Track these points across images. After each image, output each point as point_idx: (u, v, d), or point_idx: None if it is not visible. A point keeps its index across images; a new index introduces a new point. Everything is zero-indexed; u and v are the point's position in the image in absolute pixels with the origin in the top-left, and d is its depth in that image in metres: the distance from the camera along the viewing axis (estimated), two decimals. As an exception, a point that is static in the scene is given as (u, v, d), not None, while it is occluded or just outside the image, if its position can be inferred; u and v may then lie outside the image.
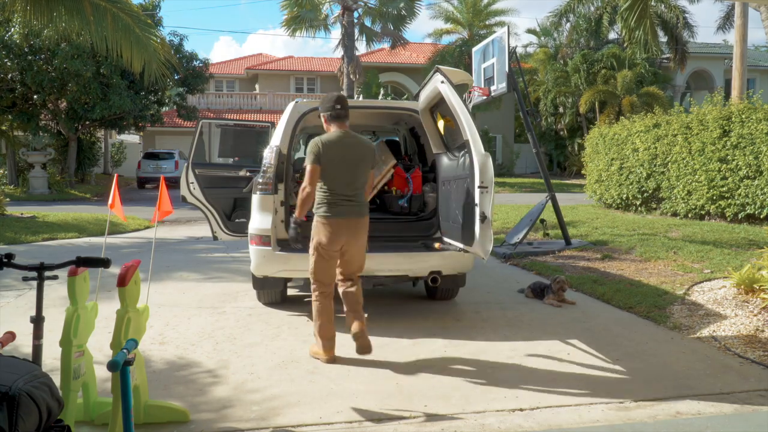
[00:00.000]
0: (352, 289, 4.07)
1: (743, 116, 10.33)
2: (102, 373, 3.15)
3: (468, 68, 14.30)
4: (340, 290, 4.08)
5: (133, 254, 8.29)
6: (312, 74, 33.76)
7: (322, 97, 4.25)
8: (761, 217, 10.04)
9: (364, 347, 3.85)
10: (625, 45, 26.14)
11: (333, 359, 3.96)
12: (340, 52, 23.17)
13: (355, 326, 3.90)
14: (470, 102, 7.77)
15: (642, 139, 12.83)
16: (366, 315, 4.08)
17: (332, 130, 3.97)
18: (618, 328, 4.87)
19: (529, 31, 35.93)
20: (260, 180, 4.86)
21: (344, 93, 22.69)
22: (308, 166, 3.84)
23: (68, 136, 21.32)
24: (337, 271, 4.07)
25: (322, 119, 4.04)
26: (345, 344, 4.38)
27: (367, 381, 3.68)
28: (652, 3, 9.99)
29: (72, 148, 21.65)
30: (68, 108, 19.77)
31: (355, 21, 22.80)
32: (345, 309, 4.04)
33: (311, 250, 3.97)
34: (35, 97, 18.82)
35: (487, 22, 29.27)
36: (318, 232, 3.91)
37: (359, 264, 4.12)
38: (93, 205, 16.90)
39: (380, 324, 4.91)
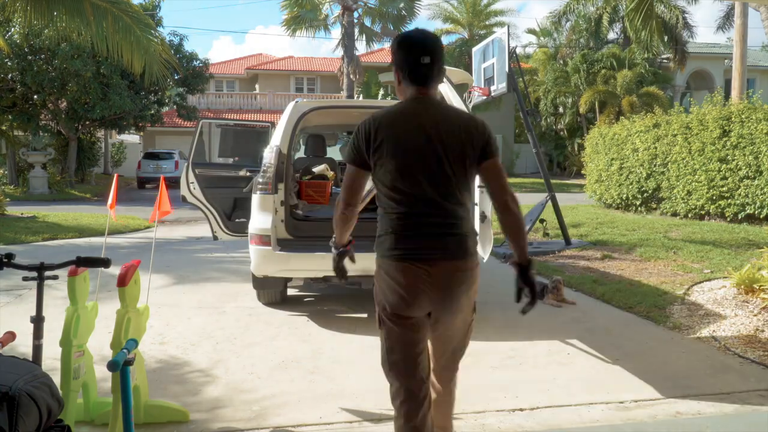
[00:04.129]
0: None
1: (743, 116, 10.33)
2: (102, 373, 3.15)
3: (468, 68, 14.30)
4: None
5: (133, 254, 8.28)
6: (312, 74, 33.75)
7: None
8: (761, 217, 10.04)
9: None
10: (629, 45, 26.16)
11: None
12: (340, 52, 23.18)
13: None
14: (470, 102, 7.77)
15: (642, 139, 12.83)
16: None
17: (404, 100, 2.27)
18: (618, 328, 4.87)
19: (529, 31, 35.99)
20: (260, 180, 4.86)
21: (344, 93, 22.72)
22: (348, 168, 2.29)
23: (68, 136, 21.32)
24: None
25: (395, 78, 2.29)
26: (345, 344, 4.39)
27: (367, 381, 3.67)
28: (654, 3, 9.97)
29: (72, 148, 21.64)
30: (68, 108, 19.77)
31: (355, 21, 22.82)
32: None
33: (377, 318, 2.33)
34: (35, 97, 18.82)
35: (486, 22, 29.30)
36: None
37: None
38: (93, 205, 16.89)
39: (380, 324, 4.91)
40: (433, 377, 2.40)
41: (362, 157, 2.19)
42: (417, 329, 2.23)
